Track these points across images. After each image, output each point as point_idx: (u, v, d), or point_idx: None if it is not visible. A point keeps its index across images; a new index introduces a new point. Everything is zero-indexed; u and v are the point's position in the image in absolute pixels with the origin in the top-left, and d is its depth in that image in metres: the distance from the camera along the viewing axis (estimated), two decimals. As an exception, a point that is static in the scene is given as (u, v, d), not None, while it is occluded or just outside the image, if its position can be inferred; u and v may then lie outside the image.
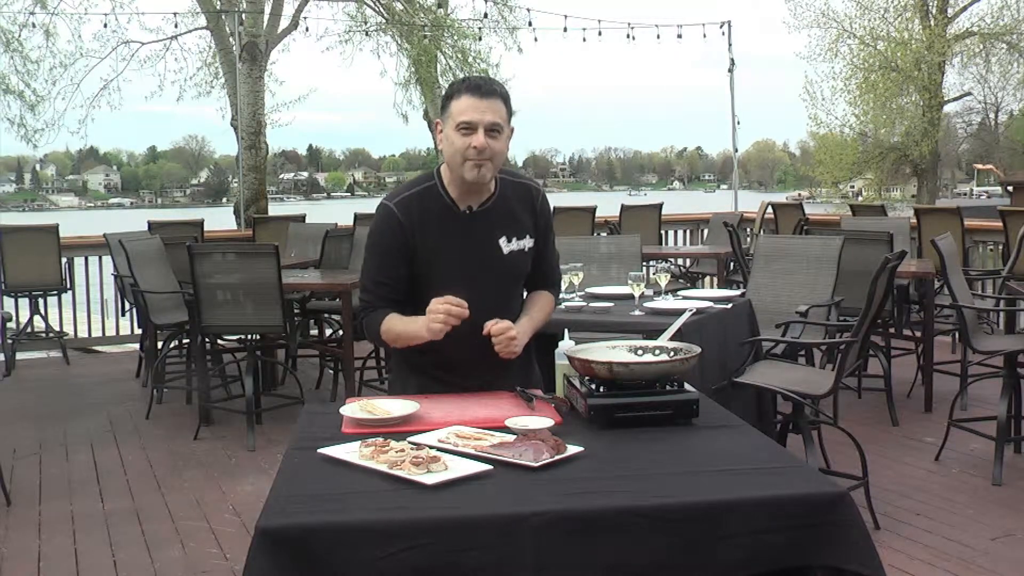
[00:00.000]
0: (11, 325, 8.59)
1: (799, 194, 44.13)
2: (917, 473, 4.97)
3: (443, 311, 2.56)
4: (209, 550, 4.20)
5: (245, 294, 5.90)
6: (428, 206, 2.72)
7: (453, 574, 1.81)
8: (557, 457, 2.08)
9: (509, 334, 2.63)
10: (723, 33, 14.08)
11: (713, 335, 4.19)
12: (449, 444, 2.19)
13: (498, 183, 2.77)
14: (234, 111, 13.08)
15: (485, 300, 2.67)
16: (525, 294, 2.93)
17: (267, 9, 13.35)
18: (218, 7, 13.48)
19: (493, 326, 2.62)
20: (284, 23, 13.68)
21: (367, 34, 15.19)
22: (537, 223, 2.82)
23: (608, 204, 11.45)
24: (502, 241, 2.75)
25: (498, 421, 2.36)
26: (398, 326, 2.71)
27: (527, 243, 2.79)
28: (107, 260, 8.60)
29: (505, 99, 2.67)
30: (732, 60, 13.66)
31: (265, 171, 13.43)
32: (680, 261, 9.78)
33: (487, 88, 2.64)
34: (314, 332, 8.23)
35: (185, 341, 7.01)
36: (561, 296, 4.54)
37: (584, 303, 4.56)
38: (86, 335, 9.64)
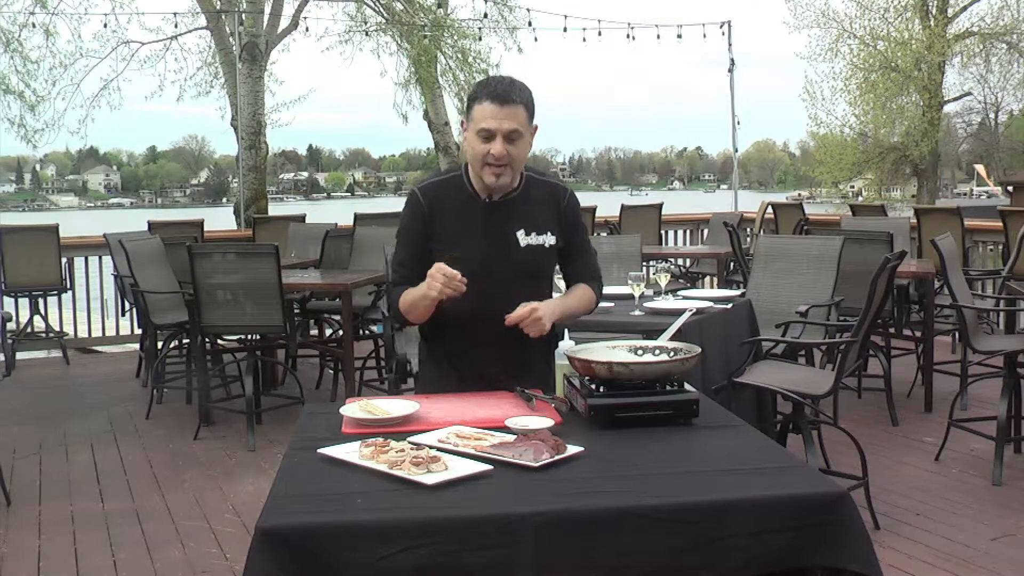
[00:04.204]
0: (11, 325, 8.59)
1: (799, 194, 44.13)
2: (917, 473, 4.97)
3: (441, 281, 2.63)
4: (209, 550, 4.20)
5: (245, 294, 5.90)
6: (450, 193, 2.82)
7: (453, 574, 1.81)
8: (557, 457, 2.08)
9: (534, 315, 2.67)
10: (723, 33, 14.11)
11: (713, 335, 4.19)
12: (449, 444, 2.19)
13: (524, 180, 2.83)
14: (234, 111, 13.09)
15: (501, 290, 2.74)
16: (564, 288, 3.01)
17: (267, 9, 13.37)
18: (218, 7, 13.49)
19: (513, 316, 2.68)
20: (284, 23, 13.70)
21: (367, 34, 15.20)
22: (562, 223, 2.87)
23: (608, 204, 11.45)
24: (520, 233, 2.80)
25: (498, 421, 2.36)
26: (409, 296, 2.81)
27: (548, 239, 2.84)
28: (107, 260, 8.61)
29: (527, 103, 2.72)
30: (732, 60, 13.68)
31: (265, 171, 13.45)
32: (680, 261, 9.78)
33: (506, 96, 2.67)
34: (314, 332, 8.23)
35: (185, 341, 7.01)
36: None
37: (584, 303, 4.55)
38: (86, 335, 9.65)
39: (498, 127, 2.67)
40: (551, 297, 2.91)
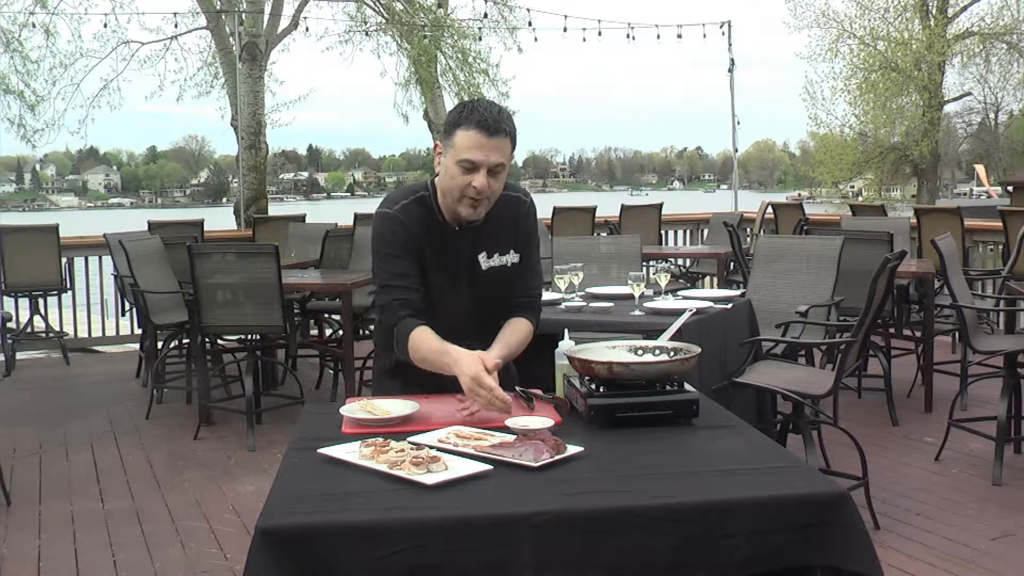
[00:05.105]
0: (11, 325, 8.59)
1: (799, 194, 44.15)
2: (917, 473, 4.97)
3: (484, 397, 2.39)
4: (209, 550, 4.20)
5: (245, 294, 5.90)
6: (421, 216, 2.69)
7: (453, 574, 1.81)
8: (557, 457, 2.08)
9: (494, 404, 2.42)
10: (723, 33, 14.11)
11: (713, 335, 4.19)
12: (449, 444, 2.19)
13: None
14: (234, 111, 13.09)
15: (467, 314, 2.71)
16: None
17: (267, 9, 13.37)
18: (218, 7, 13.49)
19: (475, 412, 2.45)
20: (284, 23, 13.70)
21: (367, 34, 15.22)
22: (519, 237, 2.78)
23: (608, 204, 11.46)
24: (481, 257, 2.72)
25: (498, 421, 2.36)
26: (428, 351, 2.59)
27: (510, 258, 2.76)
28: (107, 260, 8.61)
29: (512, 135, 2.58)
30: (732, 60, 13.69)
31: (265, 171, 13.44)
32: (680, 261, 9.78)
33: (496, 127, 2.52)
34: (314, 332, 8.23)
35: (185, 341, 7.01)
36: (561, 296, 4.55)
37: (584, 303, 4.56)
38: (86, 335, 9.64)
39: (484, 160, 2.52)
40: (505, 316, 2.81)
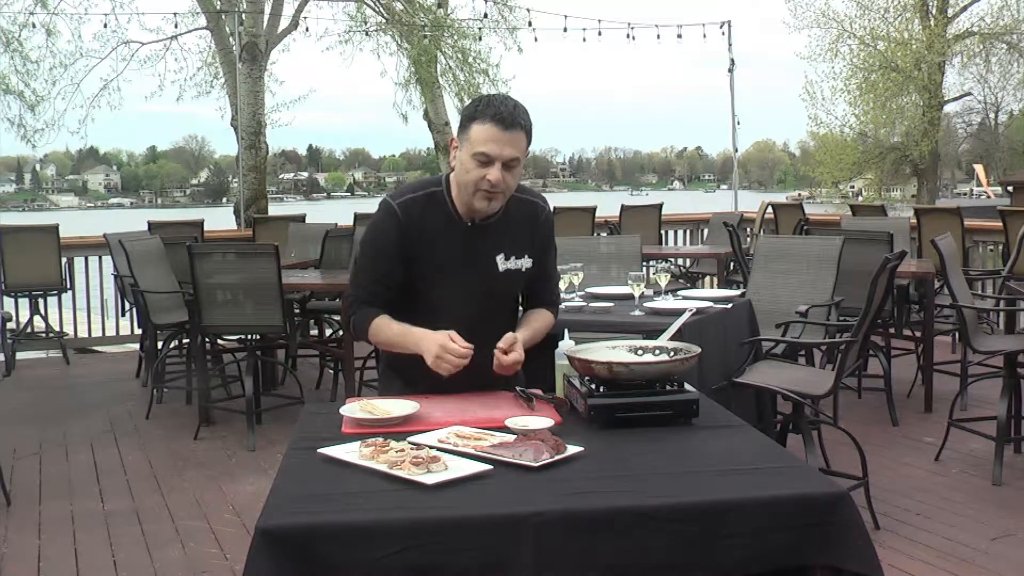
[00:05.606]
0: (11, 325, 8.59)
1: (799, 194, 44.16)
2: (917, 473, 4.97)
3: (451, 362, 2.52)
4: (209, 550, 4.20)
5: (245, 294, 5.90)
6: (431, 212, 2.67)
7: (453, 574, 1.81)
8: (557, 457, 2.08)
9: (514, 357, 2.59)
10: (723, 33, 14.11)
11: (713, 335, 4.19)
12: (449, 444, 2.19)
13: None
14: (234, 111, 13.09)
15: (475, 313, 2.69)
16: (522, 311, 2.88)
17: (267, 9, 13.36)
18: (218, 7, 13.49)
19: (502, 357, 2.59)
20: (284, 23, 13.70)
21: (367, 34, 15.22)
22: (536, 241, 2.78)
23: (608, 204, 11.46)
24: (499, 258, 2.72)
25: (498, 421, 2.36)
26: (392, 334, 2.69)
27: (525, 263, 2.76)
28: (107, 260, 8.61)
29: (528, 129, 2.59)
30: (732, 60, 13.68)
31: (265, 171, 13.44)
32: (680, 261, 9.78)
33: (511, 120, 2.53)
34: (314, 332, 8.23)
35: (185, 341, 7.01)
36: (561, 296, 4.55)
37: (584, 303, 4.56)
38: (86, 335, 9.64)
39: (499, 153, 2.52)
40: (515, 318, 2.84)
